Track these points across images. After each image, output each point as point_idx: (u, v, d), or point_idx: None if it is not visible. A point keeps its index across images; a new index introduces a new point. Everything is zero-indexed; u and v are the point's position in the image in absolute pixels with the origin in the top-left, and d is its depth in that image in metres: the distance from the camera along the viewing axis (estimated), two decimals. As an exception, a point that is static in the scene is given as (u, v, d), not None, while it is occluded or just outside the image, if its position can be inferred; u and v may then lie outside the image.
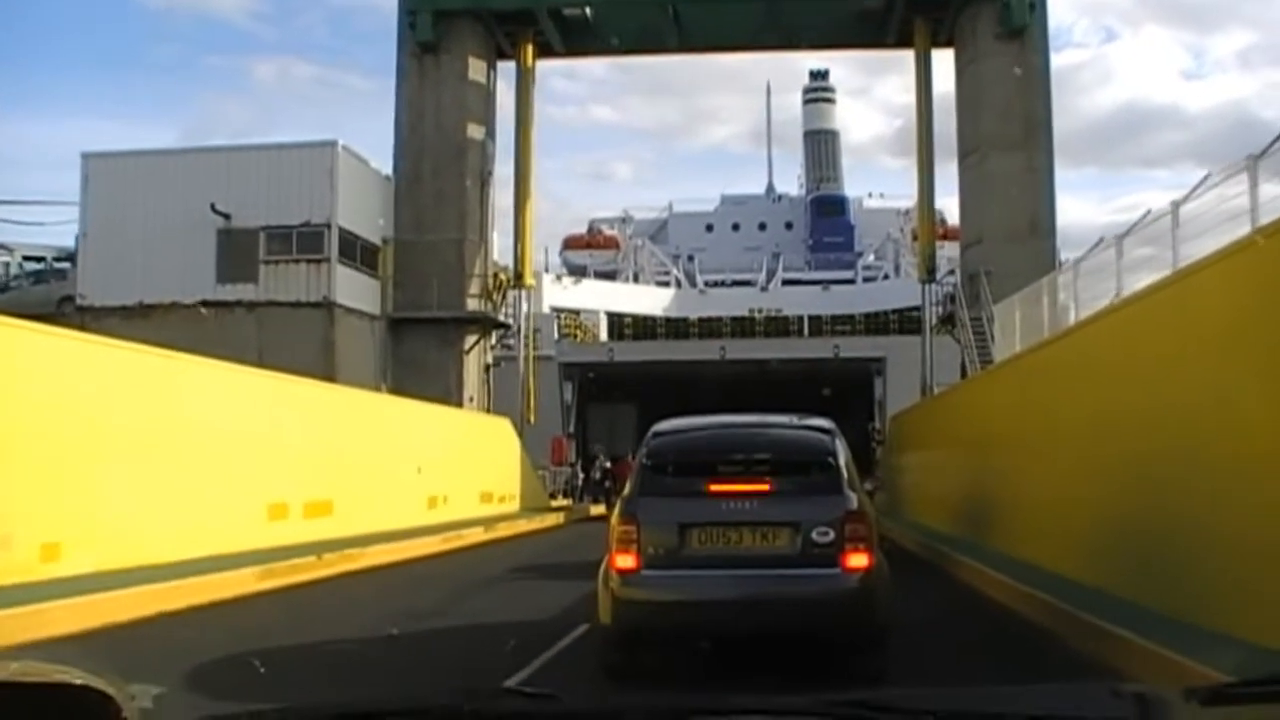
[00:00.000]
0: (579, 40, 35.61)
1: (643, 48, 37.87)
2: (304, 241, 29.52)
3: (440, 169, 33.07)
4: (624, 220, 78.27)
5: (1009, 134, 31.23)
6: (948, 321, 32.57)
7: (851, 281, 69.09)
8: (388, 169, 33.05)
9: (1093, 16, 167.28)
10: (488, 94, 34.44)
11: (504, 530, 22.29)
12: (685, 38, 35.41)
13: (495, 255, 36.37)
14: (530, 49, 34.68)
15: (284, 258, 29.55)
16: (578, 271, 67.94)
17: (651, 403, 62.71)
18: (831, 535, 7.11)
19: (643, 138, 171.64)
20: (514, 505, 28.15)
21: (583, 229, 79.05)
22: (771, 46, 37.13)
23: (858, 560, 7.11)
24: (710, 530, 7.24)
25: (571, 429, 51.54)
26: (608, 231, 76.93)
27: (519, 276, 34.59)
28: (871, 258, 73.54)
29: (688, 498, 7.39)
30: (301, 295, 29.49)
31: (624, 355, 51.67)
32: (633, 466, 8.69)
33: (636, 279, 72.04)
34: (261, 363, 24.11)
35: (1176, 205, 12.74)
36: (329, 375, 27.62)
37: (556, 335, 52.28)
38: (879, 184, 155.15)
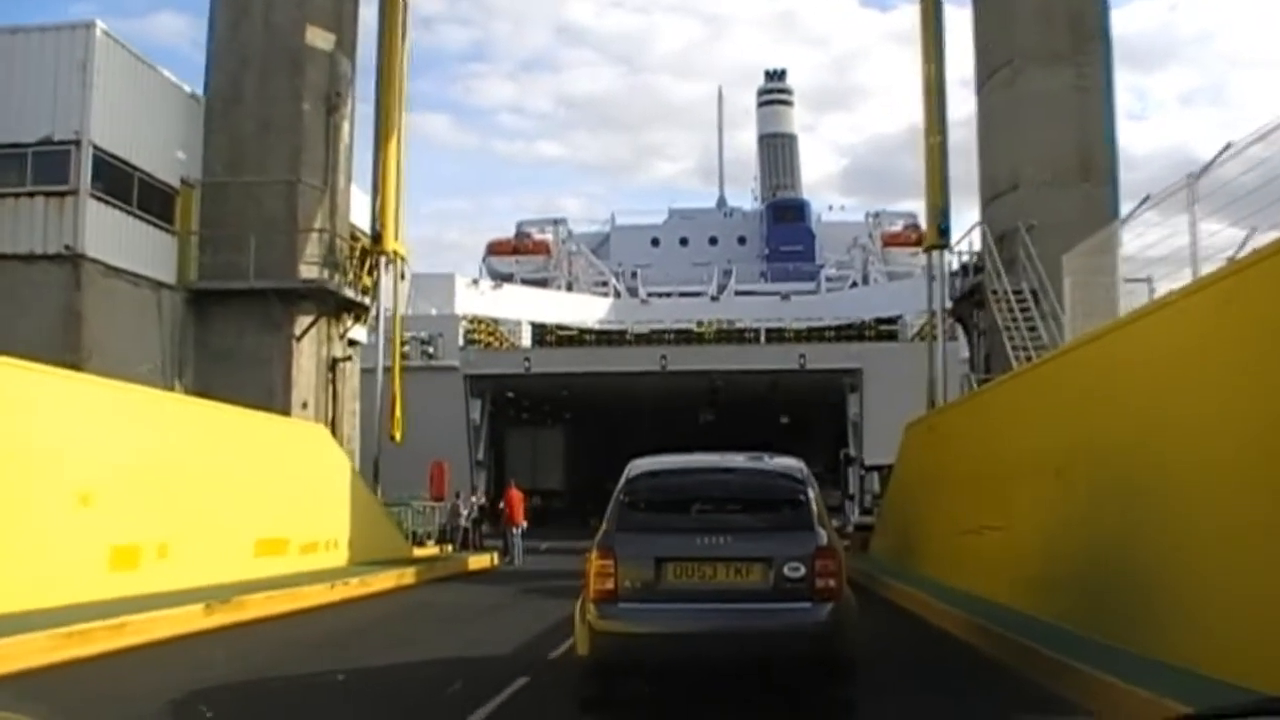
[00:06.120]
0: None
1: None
2: (43, 166, 20.05)
3: (268, 87, 23.75)
4: (556, 223, 69.07)
5: (1051, 42, 22.58)
6: (969, 300, 23.66)
7: (814, 292, 60.47)
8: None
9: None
10: (342, -7, 25.25)
11: (253, 609, 12.71)
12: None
13: (360, 220, 27.10)
14: (401, -72, 25.61)
15: (14, 190, 20.13)
16: (503, 279, 58.74)
17: (580, 426, 54.43)
18: (802, 570, 7.24)
19: (590, 173, 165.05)
20: (337, 557, 18.75)
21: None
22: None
23: (828, 594, 7.22)
24: (686, 565, 7.33)
25: (481, 456, 42.12)
26: (537, 236, 67.77)
27: (378, 239, 25.18)
28: (834, 270, 65.02)
29: (664, 533, 7.53)
30: (38, 246, 20.06)
31: (543, 366, 42.23)
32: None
33: (570, 289, 63.11)
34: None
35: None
36: (71, 360, 18.32)
37: (462, 342, 42.96)
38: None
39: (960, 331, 26.44)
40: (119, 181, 21.05)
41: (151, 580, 12.57)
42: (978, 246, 23.77)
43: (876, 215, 67.81)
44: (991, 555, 12.65)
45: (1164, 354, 8.60)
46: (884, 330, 47.71)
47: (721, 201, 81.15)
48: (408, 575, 18.83)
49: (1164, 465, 8.34)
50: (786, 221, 70.01)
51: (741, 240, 72.50)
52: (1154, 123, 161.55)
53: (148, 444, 13.31)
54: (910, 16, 25.08)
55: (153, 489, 13.05)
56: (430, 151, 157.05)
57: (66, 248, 19.84)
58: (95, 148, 20.16)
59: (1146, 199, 14.71)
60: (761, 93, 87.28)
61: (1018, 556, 11.51)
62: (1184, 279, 10.61)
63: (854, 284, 61.53)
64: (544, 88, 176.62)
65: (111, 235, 20.72)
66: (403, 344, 38.15)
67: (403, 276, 29.91)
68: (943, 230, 23.81)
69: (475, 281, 54.20)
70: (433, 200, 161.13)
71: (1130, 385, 8.98)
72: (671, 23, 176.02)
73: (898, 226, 66.14)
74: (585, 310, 57.00)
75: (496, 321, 49.67)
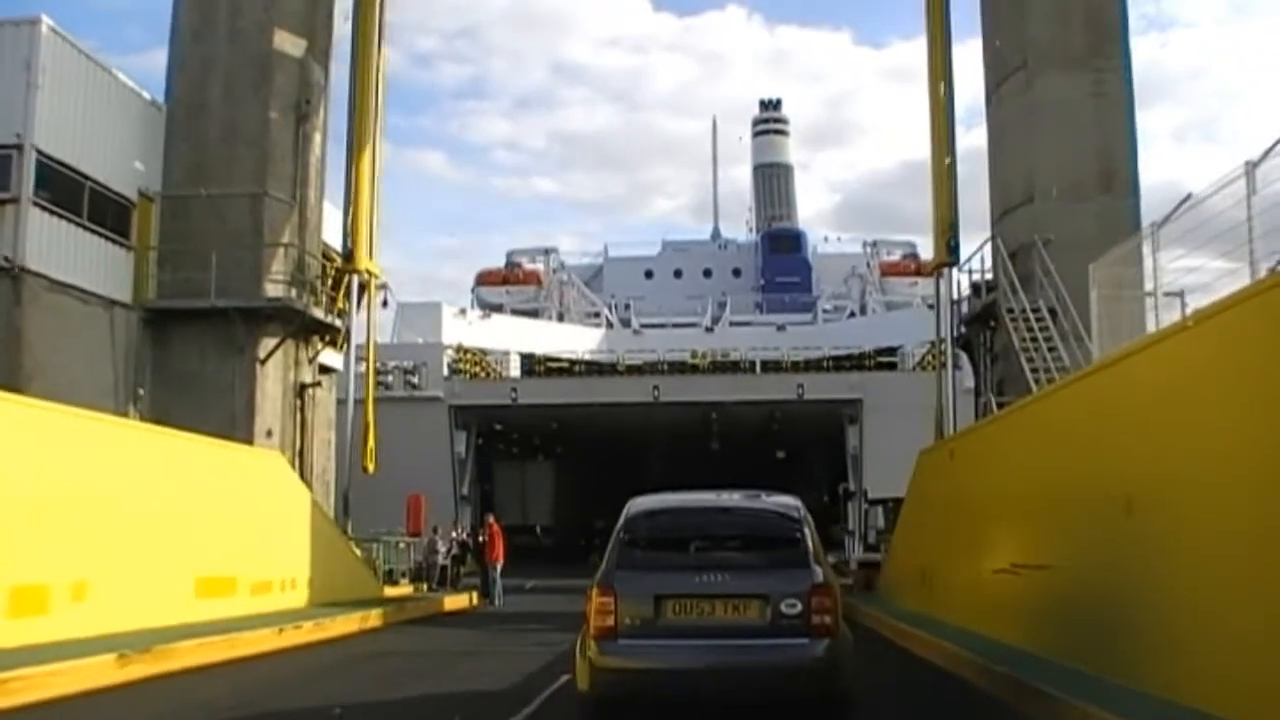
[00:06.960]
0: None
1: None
2: (-17, 173, 18.64)
3: (234, 93, 22.38)
4: (548, 253, 67.53)
5: (1068, 44, 21.30)
6: (979, 322, 22.16)
7: (811, 323, 58.87)
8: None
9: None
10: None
11: (179, 659, 11.04)
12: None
13: (336, 240, 25.54)
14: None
15: (-48, 199, 18.63)
16: (493, 310, 57.07)
17: (571, 461, 52.72)
18: (799, 607, 7.36)
19: (587, 209, 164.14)
20: (295, 598, 17.08)
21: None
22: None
23: (824, 631, 7.36)
24: (685, 602, 7.48)
25: (465, 490, 40.31)
26: (528, 266, 66.18)
27: (349, 258, 23.65)
28: (830, 305, 63.31)
29: (663, 571, 7.70)
30: (-24, 258, 18.52)
31: (531, 396, 40.50)
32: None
33: (562, 319, 61.47)
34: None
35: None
36: (10, 382, 16.65)
37: (446, 372, 41.34)
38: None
39: (965, 359, 24.93)
40: (67, 190, 19.55)
41: (64, 626, 10.95)
42: (989, 265, 22.38)
43: (874, 244, 66.38)
44: (1028, 598, 11.03)
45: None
46: (883, 361, 46.20)
47: (716, 233, 79.84)
48: (373, 618, 17.15)
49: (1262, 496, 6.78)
50: (782, 252, 68.57)
51: (736, 272, 70.95)
52: (1146, 157, 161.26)
53: (63, 470, 11.66)
54: (903, 54, 23.71)
55: (68, 521, 11.41)
56: (426, 187, 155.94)
57: (6, 260, 18.28)
58: (39, 153, 18.70)
59: (1189, 197, 13.30)
60: (757, 122, 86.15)
61: (1066, 602, 9.87)
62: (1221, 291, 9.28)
63: (851, 314, 60.00)
64: (540, 125, 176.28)
65: (58, 248, 19.20)
66: (385, 373, 36.82)
67: (385, 304, 28.51)
68: (952, 247, 22.24)
69: (463, 311, 52.58)
70: (428, 237, 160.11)
71: (1226, 395, 7.41)
72: (668, 61, 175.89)
73: (896, 256, 64.78)
74: (576, 341, 55.36)
75: (484, 352, 48.07)
